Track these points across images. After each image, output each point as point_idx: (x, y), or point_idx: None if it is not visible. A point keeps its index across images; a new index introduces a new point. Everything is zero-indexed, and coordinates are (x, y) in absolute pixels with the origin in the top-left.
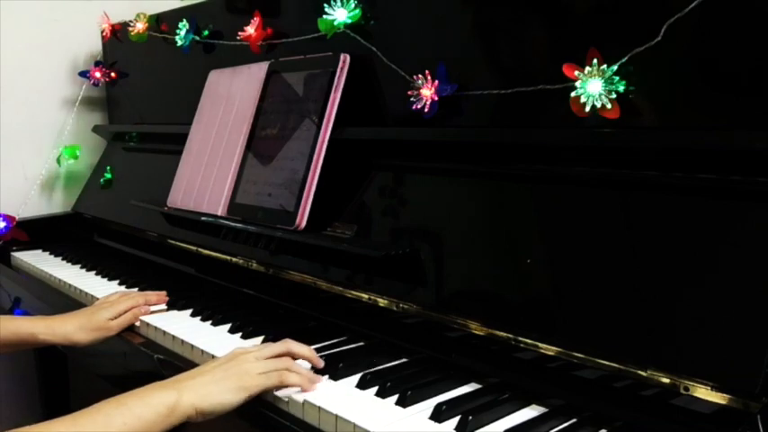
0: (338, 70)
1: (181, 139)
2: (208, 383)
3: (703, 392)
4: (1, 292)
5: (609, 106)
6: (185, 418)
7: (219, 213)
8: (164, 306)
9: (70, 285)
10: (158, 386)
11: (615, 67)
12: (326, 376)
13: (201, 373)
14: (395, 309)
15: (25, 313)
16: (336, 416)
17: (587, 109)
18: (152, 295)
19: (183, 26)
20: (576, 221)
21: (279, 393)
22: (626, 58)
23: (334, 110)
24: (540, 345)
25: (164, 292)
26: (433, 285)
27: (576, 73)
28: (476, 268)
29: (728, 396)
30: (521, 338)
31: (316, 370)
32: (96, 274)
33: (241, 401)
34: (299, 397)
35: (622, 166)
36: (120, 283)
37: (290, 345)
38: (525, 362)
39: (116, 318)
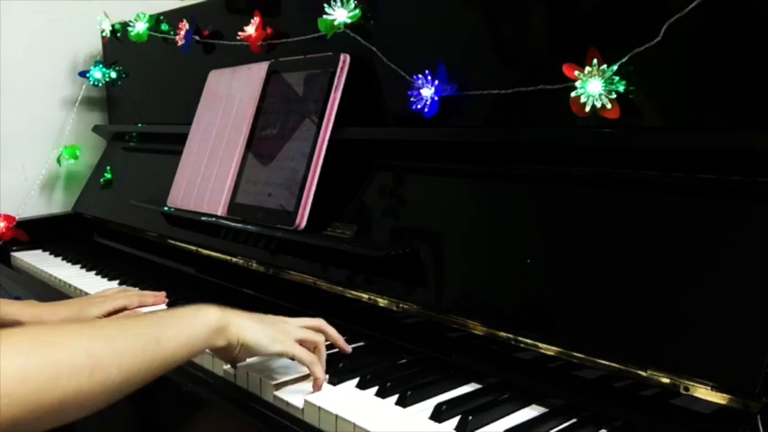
0: (338, 70)
1: (181, 139)
2: (254, 323)
3: (703, 392)
4: (1, 291)
5: (609, 106)
6: (227, 342)
7: (219, 213)
8: (163, 306)
9: (70, 285)
10: (212, 307)
11: (615, 67)
12: (326, 376)
13: (248, 316)
14: (395, 309)
15: None
16: (336, 416)
17: (587, 109)
18: (149, 296)
19: (183, 26)
20: (576, 221)
21: (279, 393)
22: (626, 58)
23: (335, 110)
24: (540, 345)
25: (162, 293)
26: (433, 285)
27: (576, 73)
28: (476, 268)
29: (728, 396)
30: (521, 338)
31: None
32: (96, 274)
33: (273, 352)
34: (299, 398)
35: (622, 166)
36: (120, 283)
37: (323, 324)
38: (525, 362)
39: (106, 316)
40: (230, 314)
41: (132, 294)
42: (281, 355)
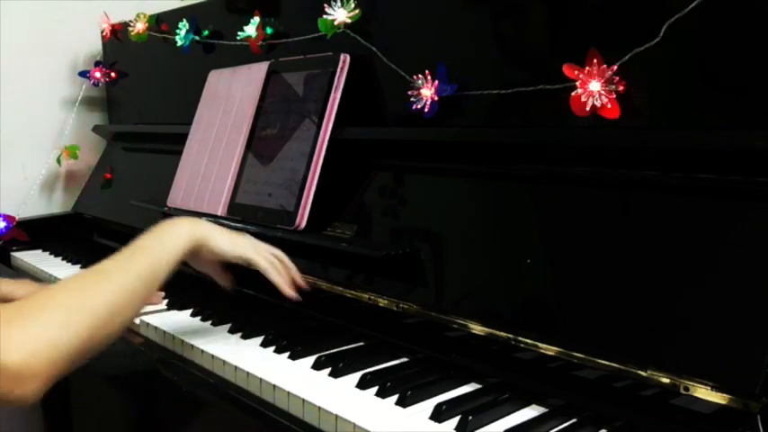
0: (338, 70)
1: (181, 139)
2: (221, 232)
3: (703, 392)
4: None
5: (609, 106)
6: (197, 245)
7: (219, 213)
8: (164, 306)
9: None
10: (182, 220)
11: (615, 67)
12: (327, 375)
13: (217, 227)
14: (395, 309)
15: None
16: (336, 416)
17: (587, 109)
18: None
19: (183, 26)
20: (576, 221)
21: (279, 382)
22: (626, 58)
23: (335, 110)
24: (540, 345)
25: (160, 294)
26: (433, 285)
27: (576, 73)
28: (476, 268)
29: (728, 396)
30: (521, 338)
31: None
32: None
33: (235, 255)
34: (300, 392)
35: (622, 166)
36: None
37: (281, 253)
38: (525, 362)
39: None
40: (198, 223)
41: None
42: (240, 258)
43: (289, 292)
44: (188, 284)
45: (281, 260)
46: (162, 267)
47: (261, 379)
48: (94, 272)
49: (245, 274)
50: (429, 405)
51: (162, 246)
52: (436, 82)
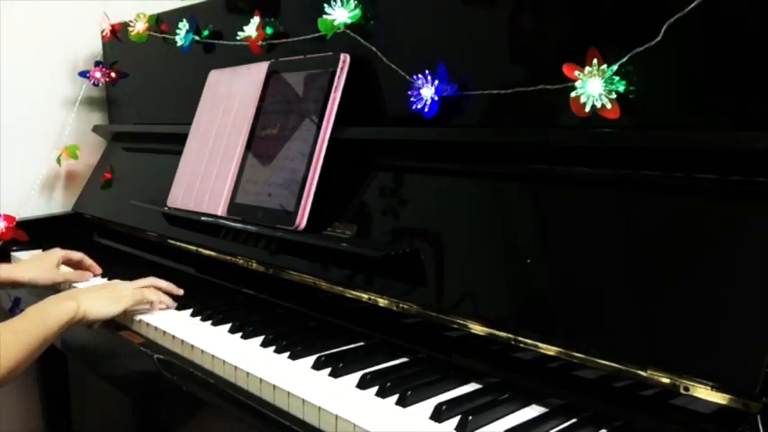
0: (338, 70)
1: (181, 139)
2: (96, 298)
3: (703, 392)
4: (1, 292)
5: (609, 106)
6: (84, 319)
7: (219, 213)
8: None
9: (70, 285)
10: (65, 299)
11: (615, 67)
12: (327, 375)
13: (93, 291)
14: (395, 309)
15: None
16: (336, 416)
17: (587, 109)
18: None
19: (183, 26)
20: (576, 221)
21: (279, 382)
22: (626, 58)
23: (334, 110)
24: (540, 345)
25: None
26: (433, 285)
27: (576, 73)
28: (476, 268)
29: (728, 396)
30: (521, 338)
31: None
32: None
33: (117, 313)
34: (300, 393)
35: (622, 166)
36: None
37: (153, 278)
38: (525, 362)
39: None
40: (79, 298)
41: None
42: (123, 312)
43: (168, 302)
44: (188, 285)
45: (150, 285)
46: (49, 334)
47: (261, 379)
48: (8, 329)
49: (245, 274)
50: (429, 405)
51: (51, 318)
52: (436, 82)
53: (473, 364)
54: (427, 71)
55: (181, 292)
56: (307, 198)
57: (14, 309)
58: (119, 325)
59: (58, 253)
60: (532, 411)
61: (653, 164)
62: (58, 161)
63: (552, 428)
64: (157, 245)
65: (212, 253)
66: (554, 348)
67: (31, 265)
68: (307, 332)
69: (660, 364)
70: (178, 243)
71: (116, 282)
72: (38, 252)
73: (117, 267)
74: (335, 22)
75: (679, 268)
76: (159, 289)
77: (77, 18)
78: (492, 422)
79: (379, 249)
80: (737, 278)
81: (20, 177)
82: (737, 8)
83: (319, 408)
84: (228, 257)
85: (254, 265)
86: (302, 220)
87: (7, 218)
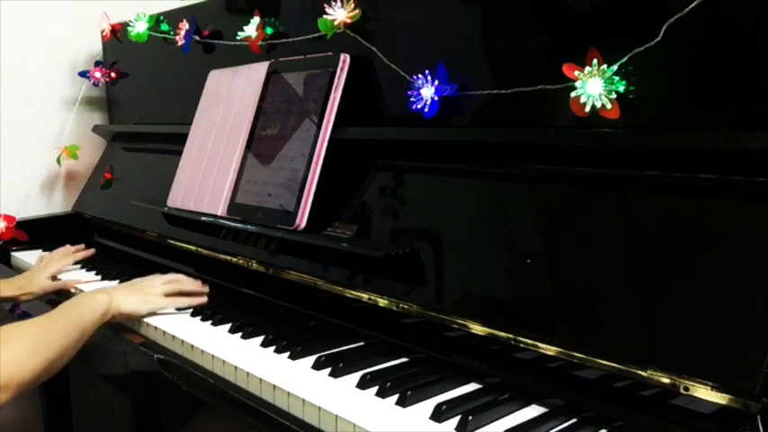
0: (338, 70)
1: (181, 139)
2: (127, 295)
3: (703, 392)
4: None
5: (609, 106)
6: (114, 315)
7: (219, 213)
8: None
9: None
10: (99, 294)
11: (615, 67)
12: (327, 375)
13: (125, 289)
14: (395, 309)
15: (25, 313)
16: (336, 416)
17: (587, 109)
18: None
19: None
20: (576, 221)
21: (279, 382)
22: (626, 58)
23: (335, 110)
24: (540, 345)
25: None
26: (433, 285)
27: (576, 73)
28: (476, 268)
29: (728, 396)
30: (521, 338)
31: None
32: (96, 274)
33: (146, 313)
34: (300, 393)
35: (622, 166)
36: (120, 283)
37: (180, 276)
38: (525, 362)
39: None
40: (111, 293)
41: (62, 254)
42: (152, 312)
43: (200, 300)
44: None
45: (176, 280)
46: (86, 329)
47: (261, 379)
48: (48, 320)
49: (245, 274)
50: (429, 405)
51: (87, 313)
52: (436, 82)
53: (473, 364)
54: (427, 71)
55: (206, 289)
56: (307, 198)
57: (14, 309)
58: (119, 325)
59: (48, 270)
60: (532, 411)
61: (653, 164)
62: (58, 161)
63: (552, 428)
64: (157, 245)
65: (212, 253)
66: (554, 348)
67: (14, 284)
68: (307, 332)
69: (660, 364)
70: (178, 243)
71: (145, 281)
72: (39, 252)
73: (117, 267)
74: (335, 22)
75: (679, 268)
76: (184, 291)
77: (77, 18)
78: (492, 422)
79: (379, 249)
80: (737, 278)
81: (20, 177)
82: (737, 8)
83: (319, 408)
84: (228, 257)
85: (255, 265)
86: (302, 220)
87: (7, 218)
